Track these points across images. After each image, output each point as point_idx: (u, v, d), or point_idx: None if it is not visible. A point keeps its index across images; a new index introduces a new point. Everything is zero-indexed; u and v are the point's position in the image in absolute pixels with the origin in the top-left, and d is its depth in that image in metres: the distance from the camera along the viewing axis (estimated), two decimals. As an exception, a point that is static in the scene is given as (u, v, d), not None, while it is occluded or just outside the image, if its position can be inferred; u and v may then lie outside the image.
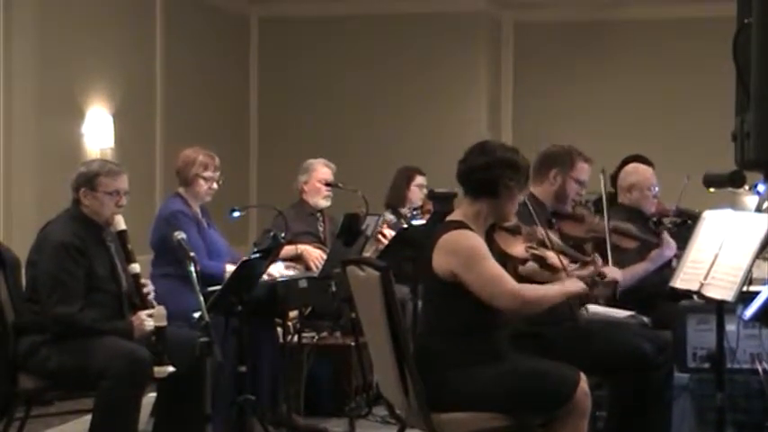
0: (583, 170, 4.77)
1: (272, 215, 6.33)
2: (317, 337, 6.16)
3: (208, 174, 5.48)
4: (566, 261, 4.12)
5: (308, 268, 5.99)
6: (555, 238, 4.23)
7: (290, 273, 5.70)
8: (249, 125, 10.96)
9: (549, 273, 4.03)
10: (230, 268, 5.08)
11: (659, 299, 5.07)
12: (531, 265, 4.03)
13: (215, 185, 5.53)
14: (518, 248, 4.04)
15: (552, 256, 4.07)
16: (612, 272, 4.36)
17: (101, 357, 4.37)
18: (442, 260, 3.79)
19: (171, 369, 4.11)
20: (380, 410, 5.82)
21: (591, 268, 4.10)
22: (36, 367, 4.50)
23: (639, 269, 5.04)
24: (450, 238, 3.80)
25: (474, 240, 3.78)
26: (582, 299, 4.39)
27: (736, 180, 3.64)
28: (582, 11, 10.50)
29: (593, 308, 4.77)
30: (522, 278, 4.00)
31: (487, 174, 3.85)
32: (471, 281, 3.73)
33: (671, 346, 4.72)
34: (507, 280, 3.75)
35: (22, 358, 4.51)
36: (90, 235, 4.61)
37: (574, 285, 3.93)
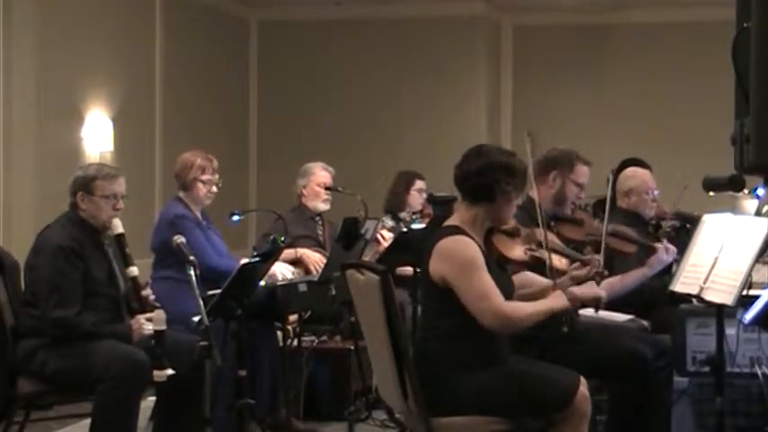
0: (582, 173, 4.77)
1: (271, 219, 6.33)
2: (316, 341, 6.15)
3: (206, 177, 5.48)
4: (566, 262, 4.12)
5: (307, 272, 5.99)
6: (555, 238, 4.22)
7: (291, 272, 5.70)
8: (249, 129, 10.97)
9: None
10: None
11: (659, 304, 5.06)
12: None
13: (214, 189, 5.52)
14: (517, 251, 4.03)
15: (552, 258, 4.06)
16: (593, 288, 4.13)
17: (99, 361, 4.36)
18: (436, 266, 3.78)
19: (170, 372, 4.11)
20: (380, 414, 5.80)
21: (590, 268, 4.09)
22: (35, 371, 4.50)
23: (638, 274, 5.02)
24: (445, 244, 3.79)
25: (469, 250, 3.76)
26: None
27: (735, 184, 3.64)
28: (581, 15, 10.51)
29: (592, 311, 4.76)
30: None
31: (483, 178, 3.84)
32: (460, 291, 3.73)
33: (670, 350, 4.72)
34: (494, 297, 3.70)
35: (20, 362, 4.50)
36: (87, 239, 4.61)
37: (559, 302, 3.85)
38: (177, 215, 5.38)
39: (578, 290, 3.93)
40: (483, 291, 3.70)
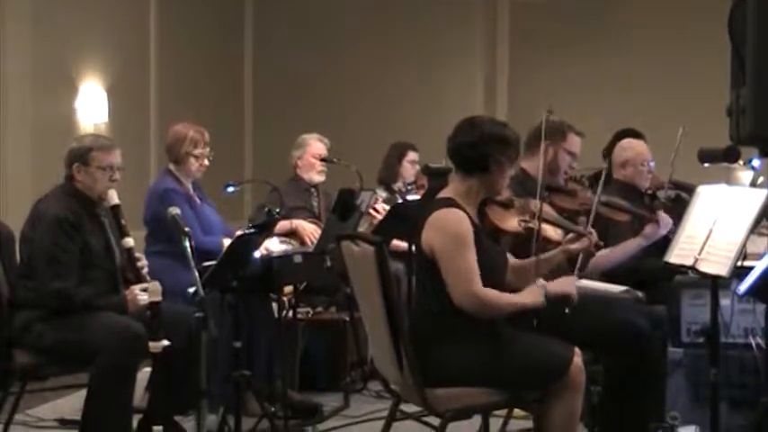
0: (574, 142, 4.79)
1: (266, 190, 6.33)
2: (312, 313, 6.16)
3: (198, 151, 5.47)
4: (560, 233, 4.12)
5: (302, 243, 5.99)
6: (549, 209, 4.22)
7: (284, 247, 5.69)
8: (244, 100, 10.94)
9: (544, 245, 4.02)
10: (228, 242, 5.07)
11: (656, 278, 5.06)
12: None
13: (206, 162, 5.52)
14: (511, 222, 4.02)
15: (547, 229, 4.06)
16: (565, 284, 4.01)
17: (96, 333, 4.37)
18: (427, 236, 3.79)
19: (165, 343, 4.12)
20: (375, 385, 5.83)
21: (585, 241, 4.09)
22: (31, 343, 4.50)
23: (633, 244, 5.03)
24: (438, 216, 3.79)
25: (460, 226, 3.75)
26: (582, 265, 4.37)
27: (730, 155, 3.64)
28: (578, -14, 10.47)
29: (588, 282, 4.77)
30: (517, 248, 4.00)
31: (477, 150, 3.84)
32: (443, 266, 3.73)
33: (665, 321, 4.73)
34: (473, 279, 3.70)
35: (17, 334, 4.51)
36: (84, 210, 4.61)
37: (533, 298, 3.83)
38: (167, 189, 5.38)
39: (552, 286, 3.90)
40: (462, 271, 3.70)
